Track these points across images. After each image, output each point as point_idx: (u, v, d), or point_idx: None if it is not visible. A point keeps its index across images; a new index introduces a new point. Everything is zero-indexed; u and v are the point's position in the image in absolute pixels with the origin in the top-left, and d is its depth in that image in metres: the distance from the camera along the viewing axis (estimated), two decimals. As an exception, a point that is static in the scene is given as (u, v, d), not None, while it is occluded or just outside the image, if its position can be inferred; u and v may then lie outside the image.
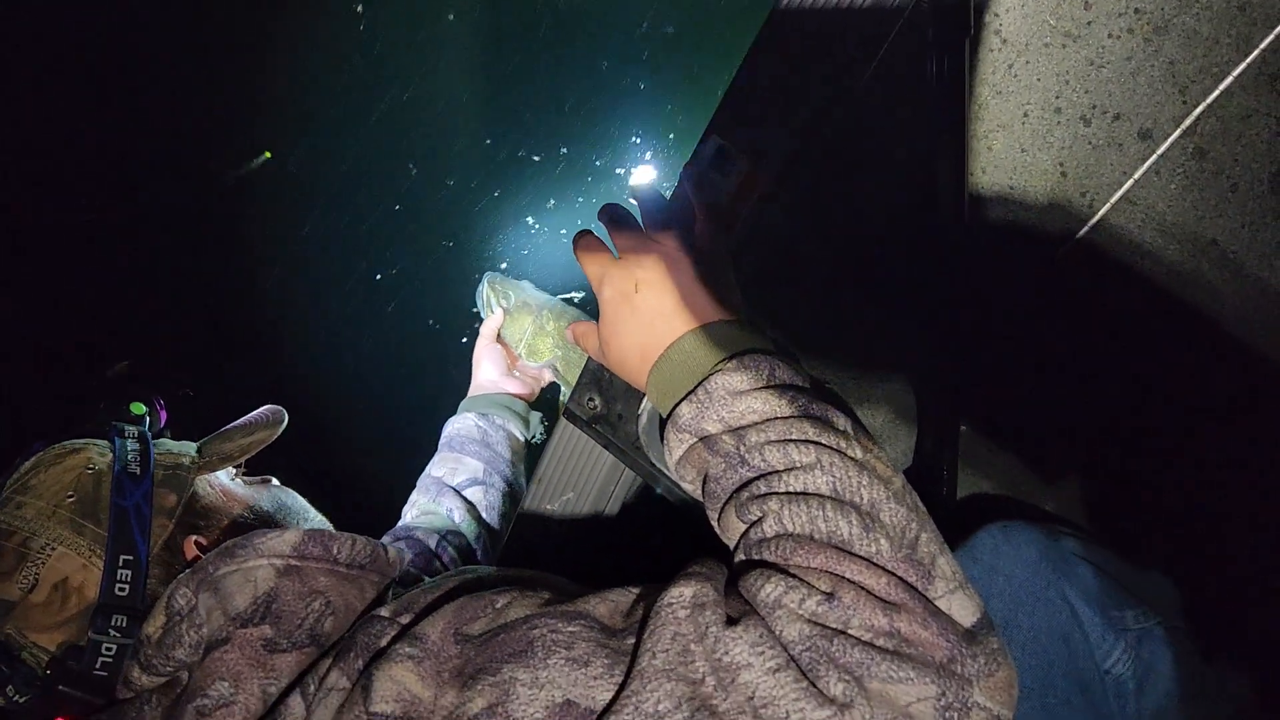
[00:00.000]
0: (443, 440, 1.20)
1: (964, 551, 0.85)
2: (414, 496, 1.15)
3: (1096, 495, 0.95)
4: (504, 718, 0.46)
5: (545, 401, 1.33)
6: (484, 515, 1.13)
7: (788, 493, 0.49)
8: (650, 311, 0.58)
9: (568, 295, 1.34)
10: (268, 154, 1.73)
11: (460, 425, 1.19)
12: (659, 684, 0.44)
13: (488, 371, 1.24)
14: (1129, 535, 0.92)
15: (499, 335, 1.27)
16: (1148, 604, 0.81)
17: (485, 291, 1.29)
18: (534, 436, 1.26)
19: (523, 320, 1.25)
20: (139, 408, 0.76)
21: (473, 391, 1.25)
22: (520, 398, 1.25)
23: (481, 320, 1.29)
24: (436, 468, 1.17)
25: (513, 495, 1.18)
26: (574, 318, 1.28)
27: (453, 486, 1.13)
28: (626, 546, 0.89)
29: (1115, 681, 0.79)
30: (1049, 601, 0.81)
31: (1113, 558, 0.84)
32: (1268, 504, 0.89)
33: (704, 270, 0.59)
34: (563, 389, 1.32)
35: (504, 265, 1.37)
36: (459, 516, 1.10)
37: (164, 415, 0.79)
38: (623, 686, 0.45)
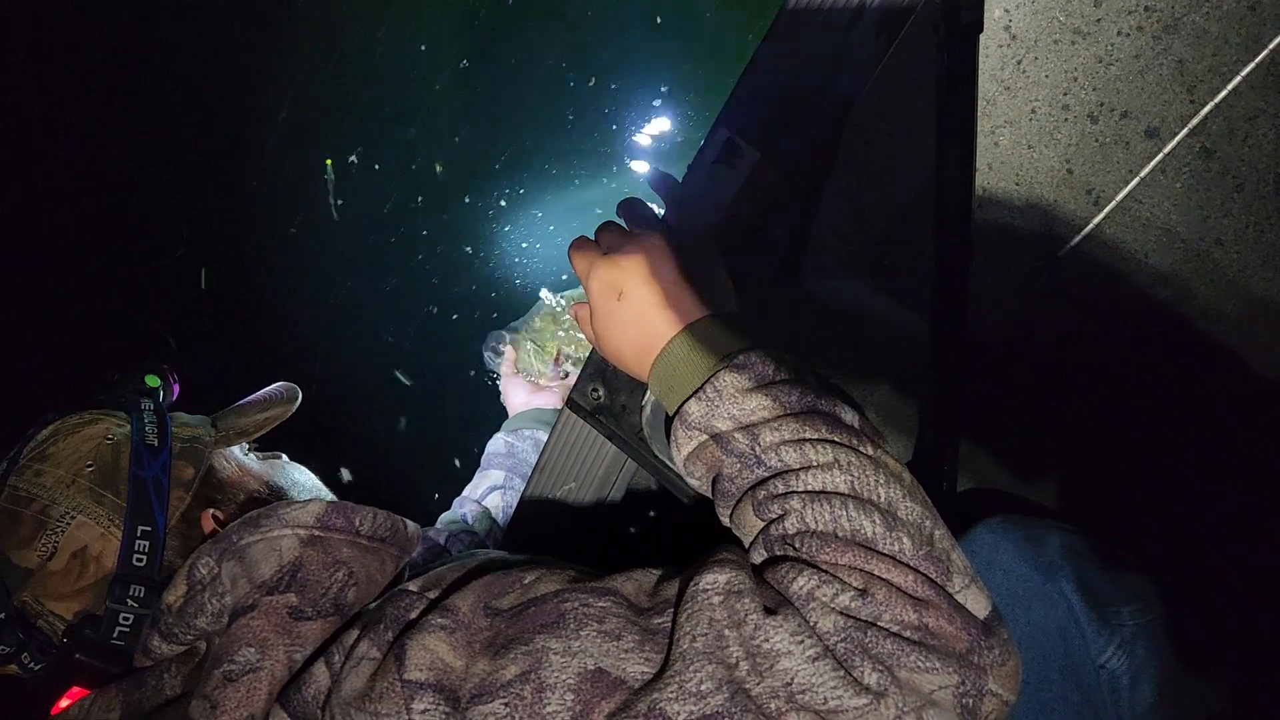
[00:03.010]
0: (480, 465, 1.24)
1: (963, 546, 0.85)
2: (442, 515, 1.18)
3: (1096, 492, 0.95)
4: (536, 684, 0.47)
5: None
6: (499, 516, 1.15)
7: (808, 491, 0.50)
8: (639, 304, 0.59)
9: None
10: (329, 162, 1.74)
11: (492, 447, 1.23)
12: (701, 665, 0.45)
13: (516, 398, 1.28)
14: (1127, 532, 0.93)
15: (518, 371, 1.31)
16: (1144, 600, 0.82)
17: (489, 356, 1.34)
18: None
19: (520, 342, 1.30)
20: (153, 380, 0.76)
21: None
22: (551, 409, 1.28)
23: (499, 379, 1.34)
24: (467, 489, 1.20)
25: None
26: (554, 304, 1.32)
27: (474, 499, 1.17)
28: (628, 537, 0.89)
29: (1110, 677, 0.80)
30: (1046, 596, 0.82)
31: (1110, 554, 0.84)
32: (1268, 503, 0.90)
33: (690, 263, 0.60)
34: None
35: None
36: (472, 518, 1.13)
37: (176, 388, 0.79)
38: (665, 666, 0.47)
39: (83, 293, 1.81)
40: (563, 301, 1.32)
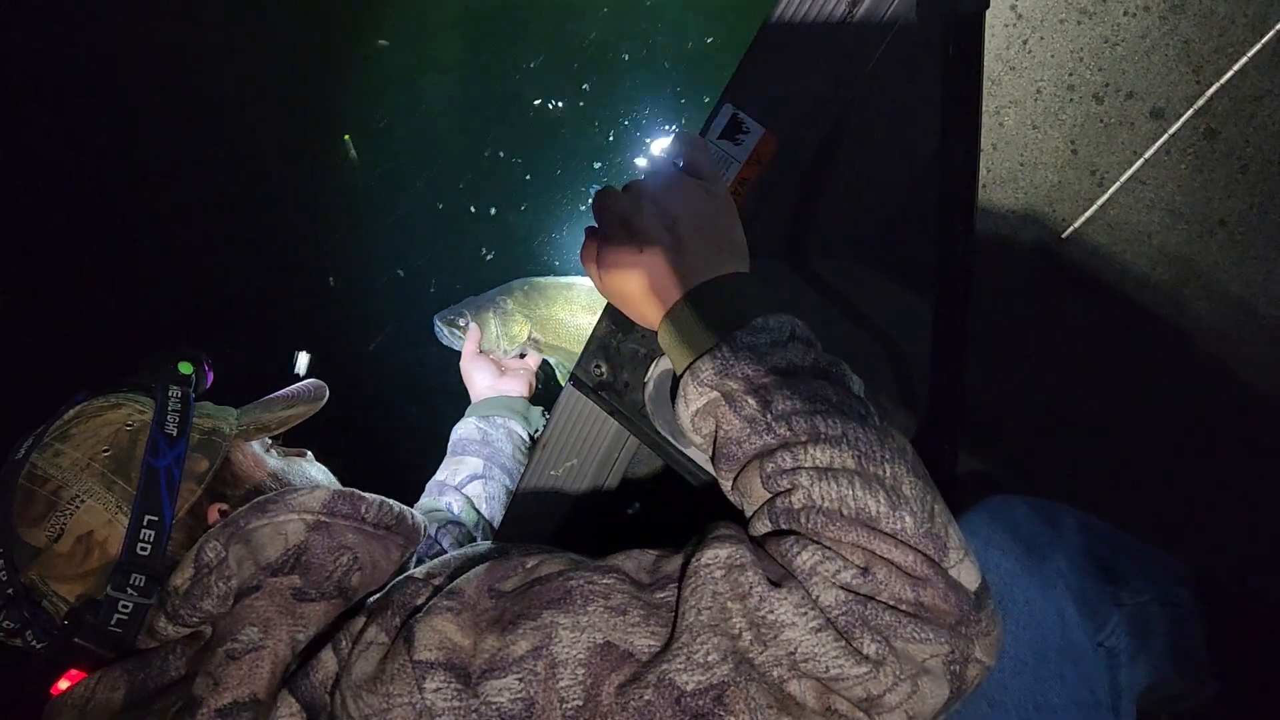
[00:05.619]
0: (448, 449, 1.23)
1: (961, 525, 0.86)
2: (419, 501, 1.18)
3: (1095, 471, 0.96)
4: (548, 659, 0.49)
5: (545, 397, 1.36)
6: (483, 506, 1.15)
7: (815, 468, 0.50)
8: (657, 249, 0.57)
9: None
10: (347, 137, 1.76)
11: (463, 431, 1.22)
12: (706, 637, 0.48)
13: (481, 381, 1.27)
14: (1125, 511, 0.93)
15: (480, 350, 1.29)
16: (1142, 578, 0.82)
17: (442, 329, 1.32)
18: (536, 431, 1.28)
19: (486, 319, 1.28)
20: (186, 367, 0.76)
21: (473, 402, 1.28)
22: (520, 396, 1.27)
23: (458, 355, 1.32)
24: (440, 473, 1.20)
25: (513, 484, 1.20)
26: (524, 288, 1.31)
27: (453, 485, 1.16)
28: (628, 513, 0.90)
29: (1108, 654, 0.80)
30: (1044, 576, 0.82)
31: (1108, 533, 0.85)
32: (1269, 480, 0.90)
33: (714, 216, 0.59)
34: (553, 365, 1.34)
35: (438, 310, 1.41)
36: (457, 508, 1.13)
37: (210, 376, 0.78)
38: (671, 638, 0.49)
39: (117, 281, 1.82)
40: (526, 288, 1.30)
